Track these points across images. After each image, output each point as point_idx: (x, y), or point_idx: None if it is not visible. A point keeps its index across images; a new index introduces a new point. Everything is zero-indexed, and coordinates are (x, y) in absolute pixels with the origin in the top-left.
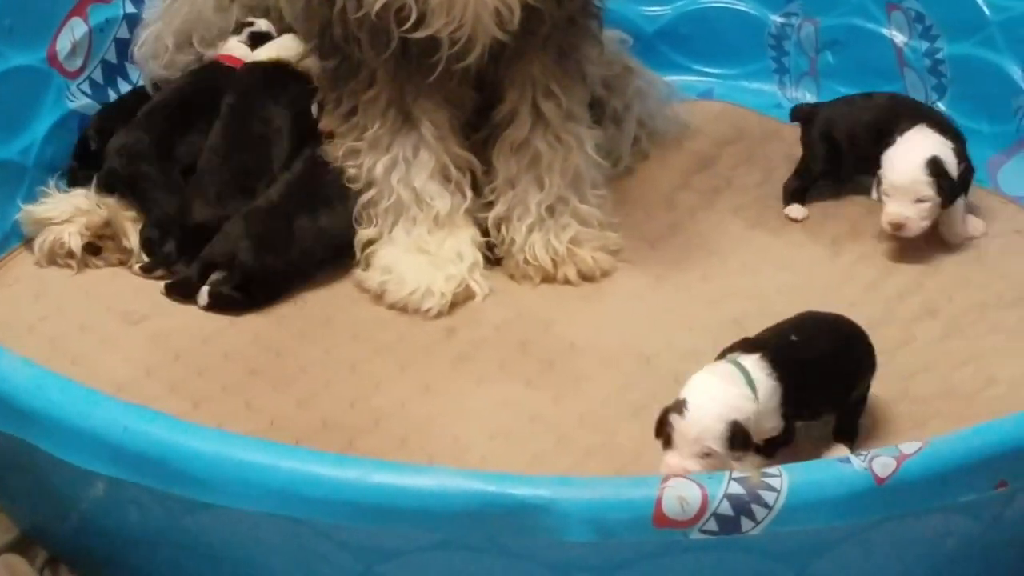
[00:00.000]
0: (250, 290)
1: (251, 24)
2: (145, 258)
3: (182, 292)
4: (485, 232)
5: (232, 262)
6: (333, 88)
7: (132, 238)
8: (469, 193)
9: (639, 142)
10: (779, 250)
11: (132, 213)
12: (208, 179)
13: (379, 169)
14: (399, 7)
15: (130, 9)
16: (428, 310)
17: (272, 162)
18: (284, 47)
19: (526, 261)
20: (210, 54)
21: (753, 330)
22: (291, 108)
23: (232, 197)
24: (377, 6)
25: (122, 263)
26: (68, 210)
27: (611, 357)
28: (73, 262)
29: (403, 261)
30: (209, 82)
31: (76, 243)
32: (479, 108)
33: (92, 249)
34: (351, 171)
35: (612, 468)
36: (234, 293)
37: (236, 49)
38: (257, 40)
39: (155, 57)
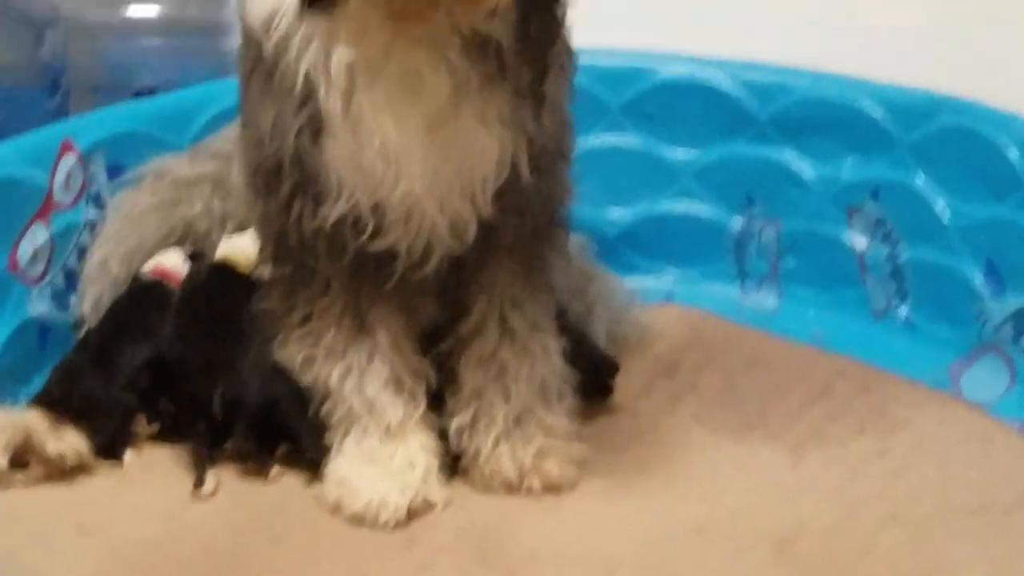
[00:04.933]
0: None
1: None
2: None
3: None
4: (443, 437)
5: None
6: (288, 295)
7: (51, 448)
8: (423, 402)
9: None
10: (741, 456)
11: (47, 423)
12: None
13: (334, 378)
14: (354, 219)
15: (91, 216)
16: (385, 522)
17: None
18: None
19: (491, 473)
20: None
21: (715, 538)
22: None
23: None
24: (332, 218)
25: (50, 476)
26: None
27: (573, 566)
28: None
29: (355, 473)
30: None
31: (2, 462)
32: (447, 320)
33: (20, 464)
34: (306, 379)
35: None
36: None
37: (175, 263)
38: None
39: (98, 281)
